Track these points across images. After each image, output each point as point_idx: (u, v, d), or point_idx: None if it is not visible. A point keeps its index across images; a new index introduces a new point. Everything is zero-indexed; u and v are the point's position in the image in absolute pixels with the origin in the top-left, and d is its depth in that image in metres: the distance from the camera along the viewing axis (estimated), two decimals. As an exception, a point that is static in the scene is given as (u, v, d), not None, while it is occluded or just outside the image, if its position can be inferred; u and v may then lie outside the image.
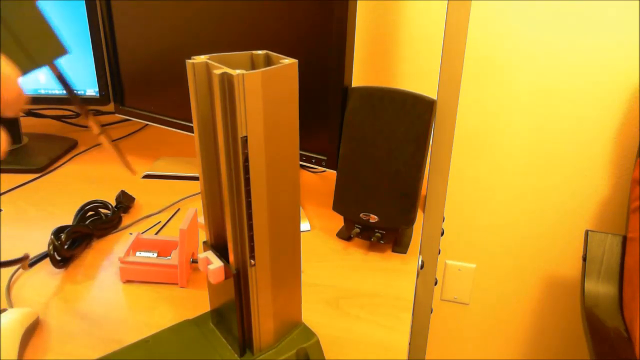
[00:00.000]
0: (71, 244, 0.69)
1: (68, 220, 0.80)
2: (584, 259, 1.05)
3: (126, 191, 0.84)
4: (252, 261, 0.44)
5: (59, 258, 0.67)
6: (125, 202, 0.82)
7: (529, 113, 1.09)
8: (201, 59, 0.41)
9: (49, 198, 0.87)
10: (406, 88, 0.68)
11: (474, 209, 1.21)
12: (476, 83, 1.10)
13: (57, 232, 0.68)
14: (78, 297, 0.63)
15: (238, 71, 0.37)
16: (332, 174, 0.99)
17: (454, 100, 0.75)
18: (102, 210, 0.78)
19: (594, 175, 1.10)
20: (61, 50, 0.38)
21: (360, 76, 1.15)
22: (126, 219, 0.81)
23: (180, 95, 0.92)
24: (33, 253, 0.70)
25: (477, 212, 1.21)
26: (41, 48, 0.34)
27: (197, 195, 0.89)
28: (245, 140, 0.40)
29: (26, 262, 0.55)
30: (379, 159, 0.69)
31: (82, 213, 0.75)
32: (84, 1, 0.98)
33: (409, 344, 0.60)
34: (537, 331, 1.29)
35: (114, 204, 0.82)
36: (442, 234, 0.86)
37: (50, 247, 0.66)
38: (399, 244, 0.74)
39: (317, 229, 0.79)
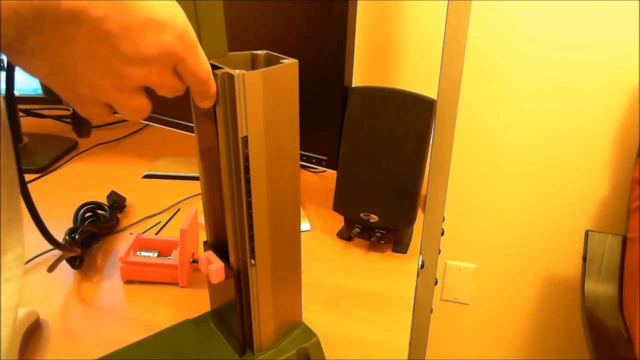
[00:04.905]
0: (80, 245, 0.69)
1: (68, 220, 0.79)
2: (584, 259, 1.05)
3: (116, 191, 0.83)
4: (252, 261, 0.44)
5: (75, 259, 0.67)
6: (118, 202, 0.82)
7: (529, 113, 1.09)
8: (201, 58, 0.41)
9: (49, 198, 0.87)
10: (406, 88, 0.68)
11: (474, 209, 1.21)
12: (476, 83, 1.10)
13: (70, 233, 0.68)
14: (78, 297, 0.63)
15: (238, 71, 0.38)
16: (332, 174, 0.98)
17: (454, 100, 0.75)
18: (99, 211, 0.78)
19: (594, 175, 1.10)
20: (224, 51, 0.40)
21: (360, 76, 1.15)
22: (122, 219, 0.81)
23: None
24: (32, 254, 0.70)
25: (477, 212, 1.21)
26: (210, 44, 0.36)
27: (198, 195, 0.89)
28: (245, 140, 0.40)
29: (75, 255, 0.54)
30: (379, 159, 0.69)
31: (80, 214, 0.75)
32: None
33: (409, 344, 0.60)
34: (537, 331, 1.29)
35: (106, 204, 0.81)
36: (442, 234, 0.86)
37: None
38: (399, 244, 0.74)
39: (317, 229, 0.79)
